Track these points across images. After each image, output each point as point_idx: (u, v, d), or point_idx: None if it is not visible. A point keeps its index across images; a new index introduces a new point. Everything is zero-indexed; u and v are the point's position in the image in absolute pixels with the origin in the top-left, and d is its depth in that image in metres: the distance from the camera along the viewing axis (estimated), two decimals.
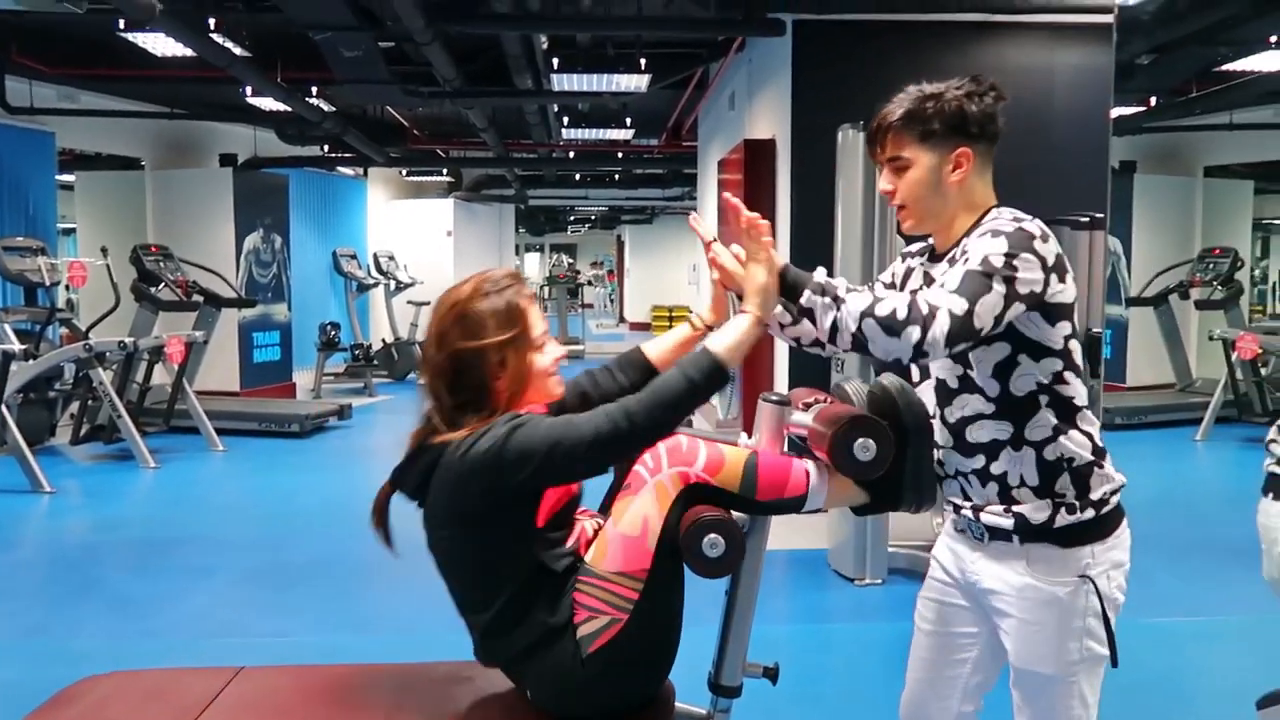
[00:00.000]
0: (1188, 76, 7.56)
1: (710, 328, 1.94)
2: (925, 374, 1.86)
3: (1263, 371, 7.90)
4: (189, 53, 6.36)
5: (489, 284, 1.77)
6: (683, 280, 13.21)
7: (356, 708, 1.83)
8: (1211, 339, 8.08)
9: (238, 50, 6.64)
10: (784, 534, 4.87)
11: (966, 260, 1.64)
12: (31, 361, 6.59)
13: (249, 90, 7.65)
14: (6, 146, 7.92)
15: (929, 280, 1.82)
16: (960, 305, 1.58)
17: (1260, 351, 7.45)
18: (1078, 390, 1.75)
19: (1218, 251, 8.98)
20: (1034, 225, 1.69)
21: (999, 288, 1.60)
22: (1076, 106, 5.42)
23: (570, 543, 1.75)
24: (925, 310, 1.56)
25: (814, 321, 1.68)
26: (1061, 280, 1.68)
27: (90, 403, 7.19)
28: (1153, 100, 8.10)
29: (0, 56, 7.23)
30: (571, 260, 28.25)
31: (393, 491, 1.78)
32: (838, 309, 1.64)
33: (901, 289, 1.92)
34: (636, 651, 1.70)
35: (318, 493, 6.42)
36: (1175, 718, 3.14)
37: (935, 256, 1.85)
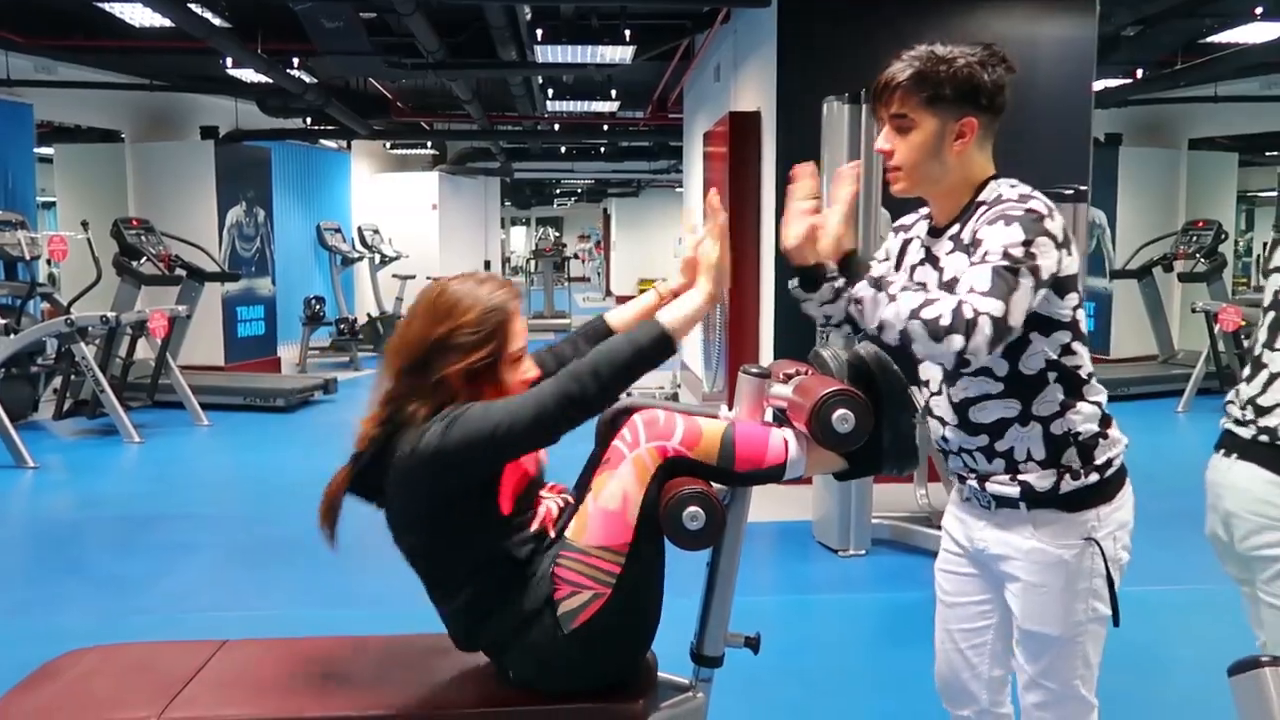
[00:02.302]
0: (1173, 49, 7.56)
1: (675, 295, 1.93)
2: None
3: (1245, 343, 7.96)
4: (168, 23, 6.28)
5: (483, 287, 1.76)
6: (669, 253, 13.19)
7: (339, 679, 1.84)
8: (1194, 311, 8.13)
9: (217, 21, 6.56)
10: (769, 506, 4.89)
11: (985, 254, 1.60)
12: (13, 336, 6.55)
13: (229, 62, 7.57)
14: None
15: (932, 258, 1.80)
16: (998, 308, 1.55)
17: (1243, 323, 7.49)
18: (1084, 359, 1.75)
19: (1201, 224, 9.01)
20: (1039, 203, 1.67)
21: (1026, 281, 1.58)
22: (1059, 79, 5.41)
23: (535, 525, 1.76)
24: (969, 316, 1.54)
25: (863, 311, 1.67)
26: (1069, 252, 1.68)
27: (73, 378, 7.16)
28: (1139, 72, 8.09)
29: None
30: (558, 233, 28.14)
31: (345, 492, 1.78)
32: (888, 305, 1.62)
33: (898, 266, 1.89)
34: (619, 624, 1.71)
35: (302, 467, 6.39)
36: (1152, 686, 3.19)
37: (934, 230, 1.82)
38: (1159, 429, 7.62)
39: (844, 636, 3.76)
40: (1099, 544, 1.73)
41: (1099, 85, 8.46)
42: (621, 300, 21.79)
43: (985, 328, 1.53)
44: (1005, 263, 1.58)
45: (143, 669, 1.89)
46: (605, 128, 12.23)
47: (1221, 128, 10.19)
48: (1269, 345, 1.98)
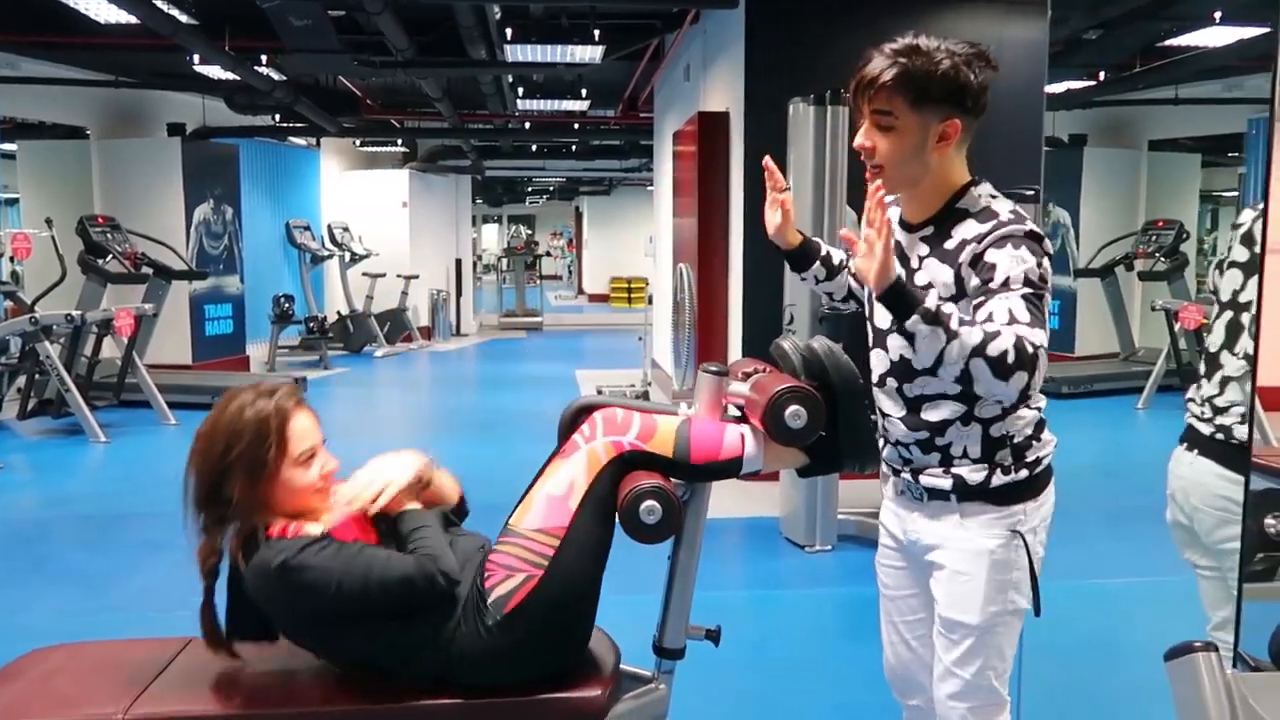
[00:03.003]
0: (1133, 51, 7.68)
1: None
2: (879, 341, 1.85)
3: (1206, 340, 8.09)
4: (134, 20, 6.23)
5: (258, 401, 1.77)
6: (640, 251, 13.21)
7: (303, 676, 1.86)
8: (1154, 309, 8.27)
9: (184, 18, 6.51)
10: (736, 502, 4.98)
11: (1007, 281, 1.60)
12: None
13: (196, 59, 7.51)
14: None
15: (901, 255, 1.77)
16: (1043, 338, 1.59)
17: (1204, 321, 7.63)
18: None
19: (1161, 224, 9.14)
20: (1029, 220, 1.69)
21: (1046, 300, 1.65)
22: (1015, 81, 5.47)
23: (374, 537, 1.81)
24: (1030, 352, 1.55)
25: (912, 344, 1.60)
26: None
27: (37, 377, 7.08)
28: (1101, 75, 8.21)
29: None
30: (530, 231, 28.08)
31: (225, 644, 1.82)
32: (950, 342, 1.56)
33: None
34: (553, 604, 1.74)
35: None
36: (1105, 675, 3.26)
37: (905, 225, 1.80)
38: (1120, 425, 7.75)
39: (809, 630, 3.81)
40: (1024, 537, 1.78)
41: (1062, 87, 8.60)
42: (595, 299, 21.75)
43: (1042, 359, 1.58)
44: (1030, 290, 1.61)
45: (108, 666, 1.91)
46: (576, 126, 12.24)
47: (1183, 129, 10.34)
48: (1227, 347, 2.06)
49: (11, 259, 8.01)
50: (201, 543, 1.77)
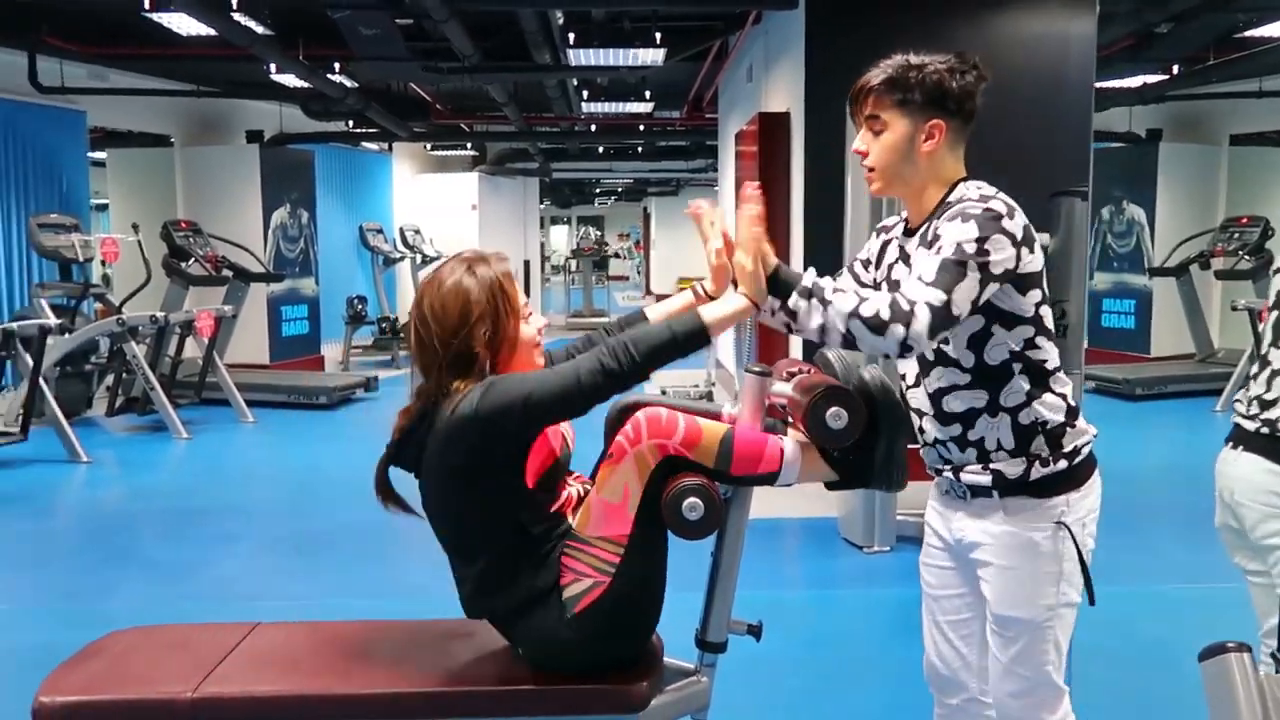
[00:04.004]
0: (1206, 44, 7.47)
1: (712, 297, 2.00)
2: None
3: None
4: (213, 32, 6.47)
5: (471, 262, 1.87)
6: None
7: (364, 659, 1.95)
8: (1235, 310, 8.02)
9: (259, 29, 6.73)
10: (795, 502, 4.99)
11: (939, 247, 1.70)
12: (67, 336, 6.78)
13: (273, 68, 7.76)
14: (39, 125, 8.10)
15: (905, 256, 1.88)
16: (938, 297, 1.64)
17: None
18: (1050, 354, 1.82)
19: (1245, 221, 8.84)
20: (999, 202, 1.75)
21: (973, 274, 1.67)
22: (1069, 80, 5.37)
23: (555, 506, 1.85)
24: (906, 307, 1.63)
25: (800, 323, 1.71)
26: (1031, 251, 1.75)
27: (124, 376, 7.39)
28: (1175, 68, 8.00)
29: (31, 37, 7.38)
30: (599, 232, 28.28)
31: (389, 465, 1.88)
32: (825, 311, 1.68)
33: (878, 265, 1.98)
34: (619, 612, 1.80)
35: (342, 463, 6.58)
36: (1161, 683, 3.20)
37: (909, 231, 1.90)
38: (1195, 428, 7.55)
39: (864, 630, 3.81)
40: (1069, 529, 1.79)
41: (1137, 81, 8.39)
42: (662, 299, 21.98)
43: (923, 315, 1.63)
44: (954, 256, 1.68)
45: (180, 648, 2.01)
46: (641, 128, 12.30)
47: (1267, 122, 9.97)
48: (1274, 344, 2.05)
49: (101, 262, 8.36)
50: (410, 405, 1.84)
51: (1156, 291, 9.60)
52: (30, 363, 6.21)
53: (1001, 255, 1.69)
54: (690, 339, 1.78)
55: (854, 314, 1.65)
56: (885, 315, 1.63)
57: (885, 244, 1.98)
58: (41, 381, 6.37)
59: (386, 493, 1.90)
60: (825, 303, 1.68)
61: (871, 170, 1.86)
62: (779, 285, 1.73)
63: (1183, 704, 3.05)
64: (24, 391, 6.29)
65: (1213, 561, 4.35)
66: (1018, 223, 1.74)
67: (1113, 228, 10.18)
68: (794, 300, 1.71)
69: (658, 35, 6.87)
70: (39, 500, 5.76)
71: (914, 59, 1.81)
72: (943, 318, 1.65)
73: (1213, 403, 7.87)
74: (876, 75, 1.82)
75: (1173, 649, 3.49)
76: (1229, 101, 9.43)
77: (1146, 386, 8.22)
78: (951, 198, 1.81)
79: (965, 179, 1.85)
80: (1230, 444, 2.09)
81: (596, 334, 2.08)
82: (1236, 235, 8.77)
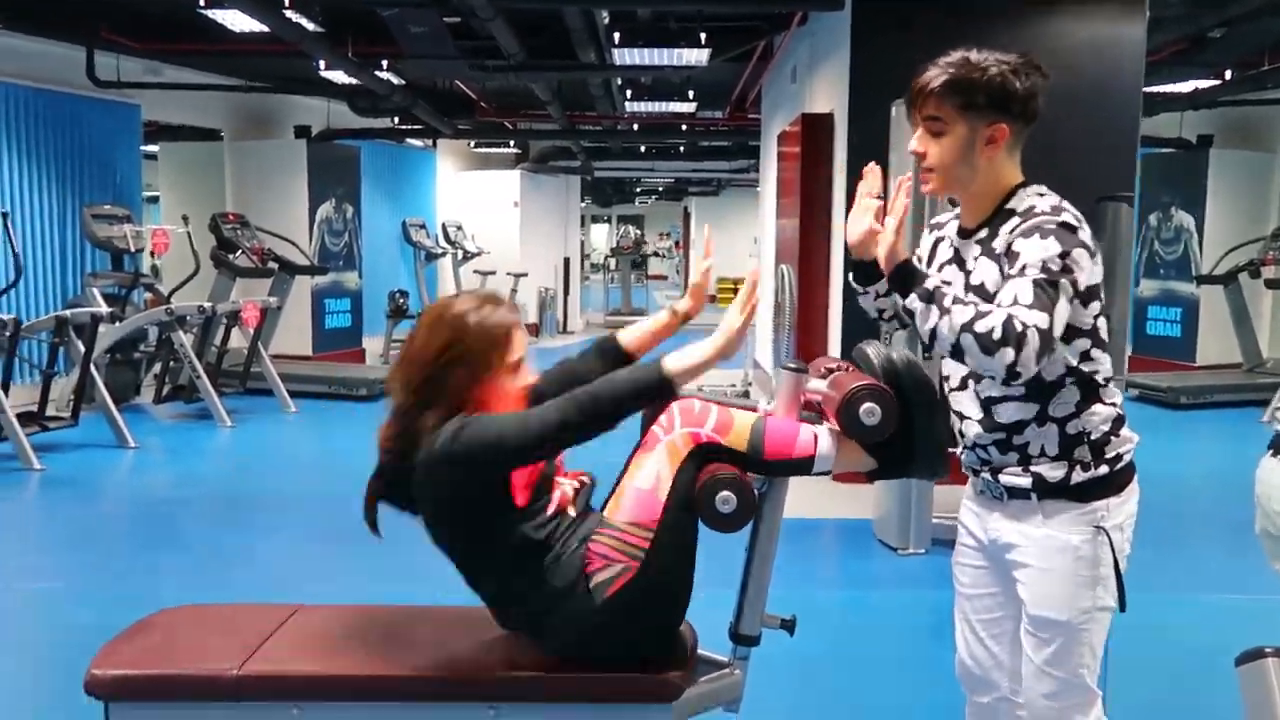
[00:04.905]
0: (1260, 49, 7.34)
1: (688, 315, 2.06)
2: None
3: None
4: (265, 29, 6.58)
5: (484, 301, 1.89)
6: (747, 252, 13.22)
7: (402, 643, 1.99)
8: None
9: (310, 26, 6.84)
10: (830, 503, 4.99)
11: (1024, 267, 1.66)
12: (118, 324, 6.95)
13: (321, 64, 7.88)
14: (95, 119, 8.28)
15: (959, 259, 1.86)
16: (1044, 321, 1.62)
17: None
18: (1103, 365, 1.81)
19: None
20: (1070, 214, 1.73)
21: (1065, 294, 1.66)
22: (1116, 85, 5.30)
23: (552, 509, 1.88)
24: (1019, 329, 1.61)
25: (914, 322, 1.72)
26: (1096, 262, 1.74)
27: (172, 364, 7.54)
28: (1228, 73, 7.86)
29: (90, 33, 7.56)
30: (639, 231, 28.31)
31: (377, 500, 1.96)
32: (941, 319, 1.67)
33: (929, 264, 1.96)
34: (650, 596, 1.83)
35: None
36: (1199, 693, 3.17)
37: (963, 231, 1.88)
38: (1241, 438, 7.39)
39: (898, 631, 3.80)
40: (1108, 534, 1.79)
41: (1189, 86, 8.26)
42: None
43: (1034, 340, 1.61)
44: (1044, 276, 1.65)
45: (226, 626, 2.08)
46: (684, 128, 12.32)
47: None
48: None
49: (151, 253, 8.54)
50: (389, 423, 1.89)
51: (1203, 300, 9.44)
52: (81, 349, 6.35)
53: (1082, 272, 1.69)
54: (653, 390, 1.82)
55: (968, 328, 1.64)
56: (998, 335, 1.61)
57: (937, 242, 1.97)
58: (92, 368, 6.51)
59: (374, 522, 1.98)
60: (945, 311, 1.67)
61: (930, 171, 1.82)
62: (902, 279, 1.74)
63: (1222, 711, 3.02)
64: (75, 378, 6.45)
65: (1254, 570, 4.31)
66: (1086, 234, 1.73)
67: (1160, 234, 10.03)
68: (912, 300, 1.71)
69: (703, 35, 6.89)
70: (89, 484, 5.89)
71: (974, 56, 1.77)
72: (1048, 341, 1.63)
73: (1259, 413, 7.73)
74: (937, 76, 1.77)
75: (1212, 656, 3.45)
76: None
77: (1191, 395, 8.09)
78: (1014, 204, 1.79)
79: (1024, 184, 1.82)
80: (1271, 451, 2.07)
81: (578, 360, 2.08)
82: None
